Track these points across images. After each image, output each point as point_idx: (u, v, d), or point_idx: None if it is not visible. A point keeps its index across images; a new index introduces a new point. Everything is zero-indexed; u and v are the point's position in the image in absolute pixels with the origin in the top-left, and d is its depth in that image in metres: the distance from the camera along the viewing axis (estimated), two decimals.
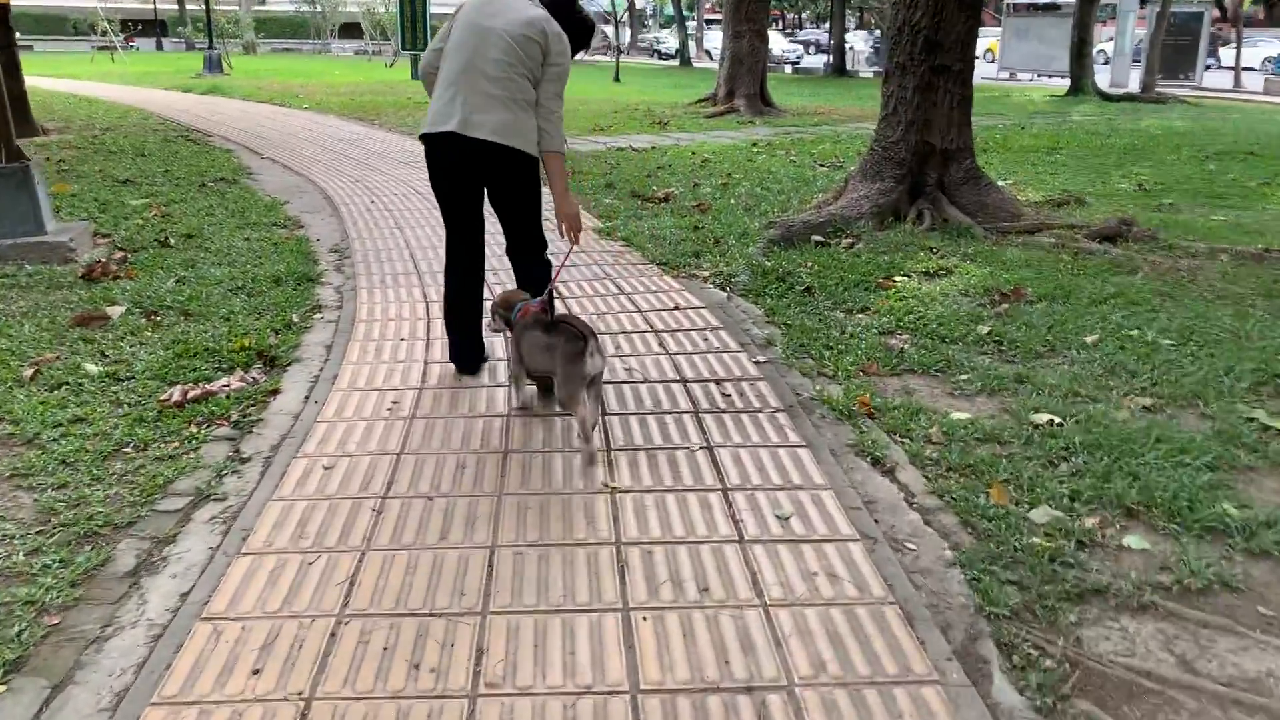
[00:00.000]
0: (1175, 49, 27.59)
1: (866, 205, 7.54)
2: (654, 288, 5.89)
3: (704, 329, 5.09)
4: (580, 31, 4.21)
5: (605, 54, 49.30)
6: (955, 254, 6.59)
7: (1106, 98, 21.99)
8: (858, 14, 43.13)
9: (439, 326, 5.09)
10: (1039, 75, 30.74)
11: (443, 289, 4.35)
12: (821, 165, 10.66)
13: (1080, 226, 7.34)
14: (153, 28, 48.57)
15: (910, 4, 7.53)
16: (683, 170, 10.32)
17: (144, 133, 12.94)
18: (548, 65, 3.97)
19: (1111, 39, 31.55)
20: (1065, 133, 14.55)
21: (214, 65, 25.65)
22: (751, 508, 3.18)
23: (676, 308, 5.46)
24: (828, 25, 50.68)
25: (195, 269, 6.11)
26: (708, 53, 48.97)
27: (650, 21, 60.86)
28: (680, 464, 3.50)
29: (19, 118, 11.92)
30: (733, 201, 8.37)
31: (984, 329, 5.03)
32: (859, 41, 37.70)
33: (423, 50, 3.90)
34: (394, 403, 4.09)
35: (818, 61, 38.57)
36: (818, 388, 4.27)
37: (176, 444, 3.68)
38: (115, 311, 5.20)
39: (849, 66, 33.86)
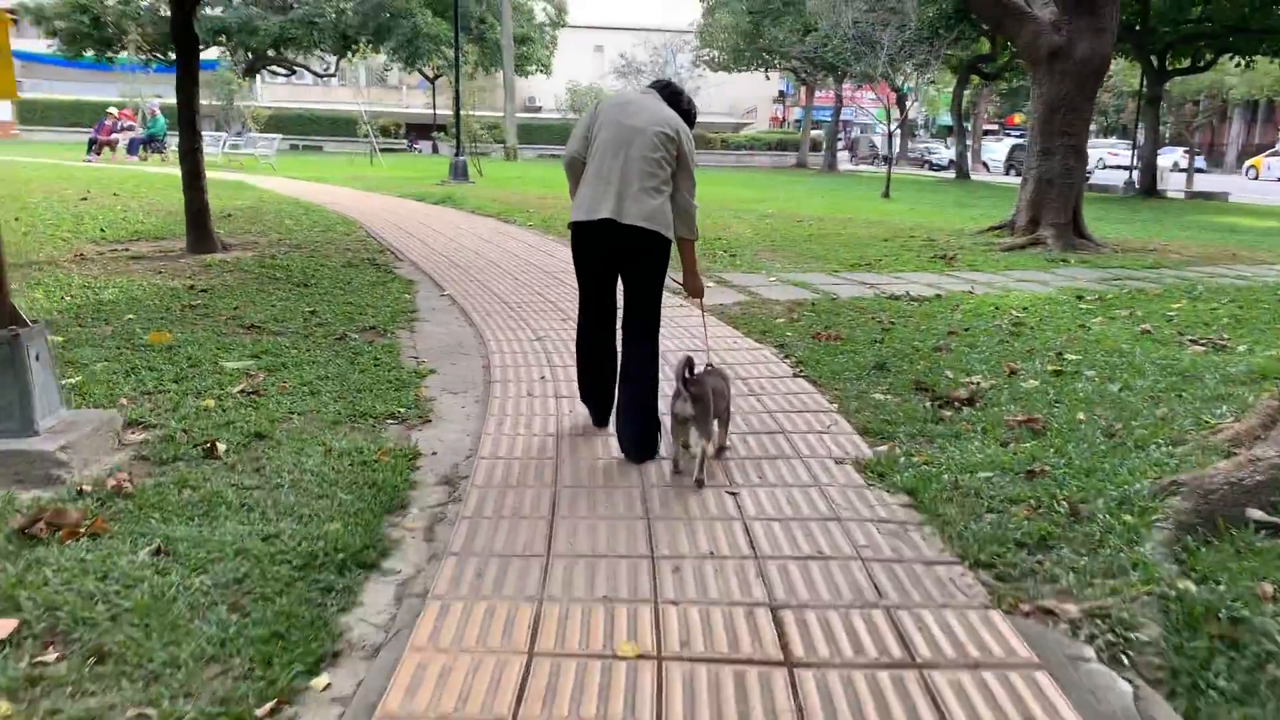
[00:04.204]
0: None
1: None
2: (975, 651, 2.99)
3: None
4: (692, 117, 4.77)
5: (874, 164, 46.94)
6: None
7: None
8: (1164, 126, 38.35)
9: None
10: None
11: (575, 357, 4.96)
12: (1195, 342, 7.31)
13: None
14: (429, 131, 50.78)
15: None
16: (986, 339, 7.28)
17: (332, 253, 11.29)
18: (681, 160, 4.51)
19: None
20: None
21: (459, 172, 24.82)
22: None
23: None
24: (1116, 137, 45.90)
25: (206, 520, 3.80)
26: (985, 164, 45.84)
27: (921, 131, 58.01)
28: None
29: (198, 232, 10.64)
30: (1081, 416, 5.25)
31: None
32: (1162, 158, 33.25)
33: None
34: None
35: (1113, 178, 34.36)
36: None
37: None
38: None
39: (1158, 185, 29.73)
